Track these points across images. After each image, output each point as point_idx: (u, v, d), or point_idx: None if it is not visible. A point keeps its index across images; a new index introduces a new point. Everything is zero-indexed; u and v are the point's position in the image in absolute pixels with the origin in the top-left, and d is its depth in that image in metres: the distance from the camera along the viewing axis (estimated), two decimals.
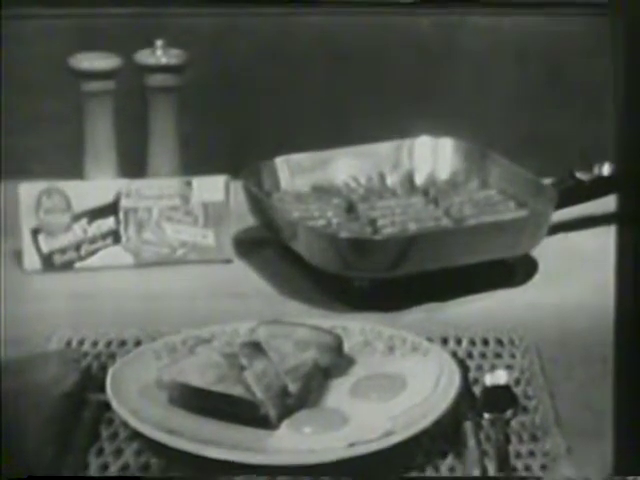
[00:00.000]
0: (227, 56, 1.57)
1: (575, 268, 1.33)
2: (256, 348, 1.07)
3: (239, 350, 1.06)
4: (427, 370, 1.05)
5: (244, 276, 1.33)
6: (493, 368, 1.11)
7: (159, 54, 1.43)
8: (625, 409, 0.72)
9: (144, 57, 1.45)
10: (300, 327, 1.09)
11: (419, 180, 1.44)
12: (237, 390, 1.01)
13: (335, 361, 1.08)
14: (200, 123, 1.57)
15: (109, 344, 1.17)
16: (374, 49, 1.54)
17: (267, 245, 1.37)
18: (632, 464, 0.72)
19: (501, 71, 1.49)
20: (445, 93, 1.52)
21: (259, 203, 1.35)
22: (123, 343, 1.17)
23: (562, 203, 1.35)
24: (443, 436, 1.00)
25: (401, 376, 1.06)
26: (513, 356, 1.14)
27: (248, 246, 1.38)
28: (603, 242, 1.45)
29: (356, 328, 1.13)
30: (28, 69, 1.60)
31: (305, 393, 1.03)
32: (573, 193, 1.41)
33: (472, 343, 1.16)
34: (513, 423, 1.03)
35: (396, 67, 1.53)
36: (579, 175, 1.44)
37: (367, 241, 1.26)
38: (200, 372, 1.03)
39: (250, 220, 1.38)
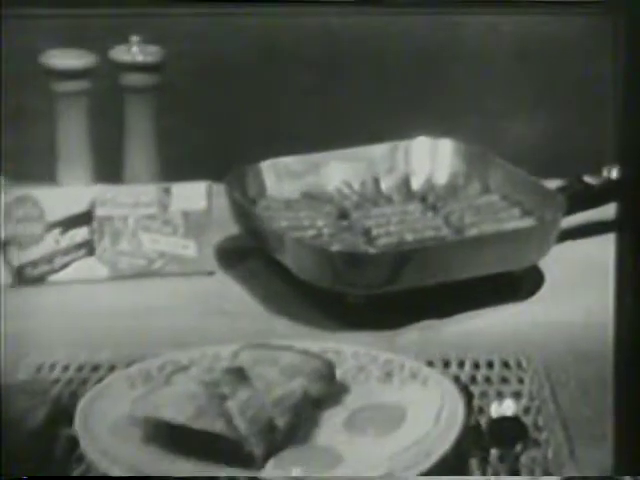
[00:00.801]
0: (212, 54, 1.48)
1: (585, 279, 1.24)
2: (239, 375, 0.97)
3: (221, 377, 0.97)
4: (428, 400, 0.96)
5: (227, 290, 1.23)
6: (499, 395, 1.02)
7: (135, 51, 1.33)
8: (625, 409, 0.73)
9: (119, 54, 1.35)
10: (287, 352, 1.00)
11: (416, 184, 1.35)
12: (218, 426, 0.92)
13: (326, 390, 0.98)
14: (182, 125, 1.48)
15: (81, 369, 1.08)
16: (370, 48, 1.46)
17: (253, 256, 1.27)
18: (632, 464, 0.72)
19: (501, 71, 1.43)
20: (444, 93, 1.45)
21: (243, 211, 1.25)
22: (96, 368, 1.08)
23: (570, 209, 1.26)
24: (447, 474, 0.91)
25: (400, 407, 0.96)
26: (521, 381, 1.05)
27: (232, 257, 1.29)
28: (613, 250, 1.35)
29: (349, 351, 1.03)
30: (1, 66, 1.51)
31: (293, 427, 0.94)
32: (581, 198, 1.32)
33: (476, 366, 1.07)
34: (523, 458, 0.94)
35: (395, 67, 1.46)
36: (587, 179, 1.35)
37: (361, 255, 1.16)
38: (177, 405, 0.93)
39: (235, 228, 1.29)
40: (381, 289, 1.14)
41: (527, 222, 1.25)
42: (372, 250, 1.17)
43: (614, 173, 1.35)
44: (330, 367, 0.99)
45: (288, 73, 1.52)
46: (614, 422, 0.74)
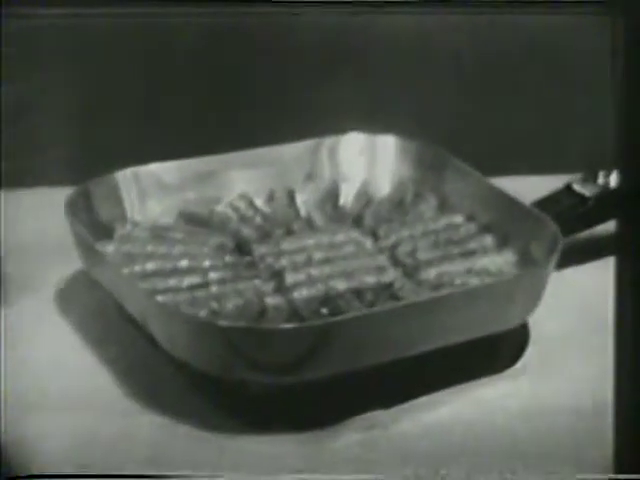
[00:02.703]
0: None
1: (586, 332, 0.90)
2: None
3: None
4: None
5: (72, 370, 0.84)
6: None
7: None
8: (625, 408, 0.68)
9: None
10: None
11: (346, 199, 0.98)
12: None
13: None
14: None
15: None
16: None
17: (106, 312, 0.88)
18: (632, 464, 0.69)
19: (499, 71, 1.21)
20: (440, 93, 1.18)
21: (84, 246, 0.86)
22: None
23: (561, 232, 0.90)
24: None
25: None
26: None
27: (79, 313, 0.90)
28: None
29: None
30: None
31: None
32: (574, 215, 0.98)
33: None
34: None
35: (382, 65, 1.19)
36: (579, 189, 0.99)
37: (266, 332, 0.76)
38: None
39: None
40: (300, 376, 0.76)
41: (506, 256, 0.89)
42: (285, 326, 0.77)
43: (613, 180, 1.00)
44: None
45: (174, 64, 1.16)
46: (614, 422, 0.68)
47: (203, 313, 0.80)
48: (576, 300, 0.97)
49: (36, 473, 0.73)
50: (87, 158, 1.08)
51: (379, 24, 1.13)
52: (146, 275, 0.84)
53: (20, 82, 1.08)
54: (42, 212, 0.98)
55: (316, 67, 1.09)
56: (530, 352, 0.90)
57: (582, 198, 1.00)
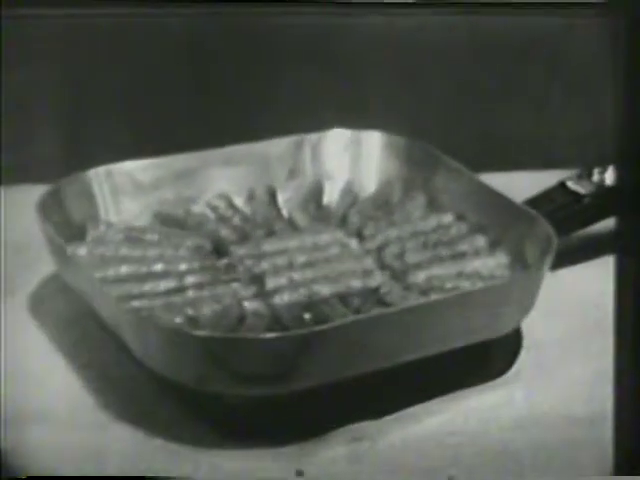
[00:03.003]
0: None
1: (582, 336, 0.87)
2: None
3: None
4: None
5: (42, 379, 0.79)
6: None
7: None
8: (626, 414, 0.66)
9: None
10: None
11: (330, 197, 0.94)
12: None
13: None
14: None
15: None
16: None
17: (81, 318, 0.83)
18: (632, 464, 0.67)
19: (500, 71, 1.20)
20: (438, 94, 1.17)
21: (55, 249, 0.82)
22: None
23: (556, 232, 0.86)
24: None
25: None
26: None
27: (51, 318, 0.85)
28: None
29: None
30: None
31: None
32: (569, 214, 0.94)
33: None
34: None
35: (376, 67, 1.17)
36: (574, 186, 0.95)
37: (246, 342, 0.71)
38: None
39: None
40: (281, 387, 0.72)
41: (498, 258, 0.85)
42: (262, 332, 0.73)
43: (608, 177, 0.96)
44: None
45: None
46: (614, 429, 0.67)
47: (179, 319, 0.76)
48: (571, 302, 0.94)
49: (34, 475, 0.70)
50: (86, 156, 1.05)
51: (378, 24, 1.13)
52: (120, 279, 0.79)
53: (20, 81, 1.07)
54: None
55: (315, 67, 1.08)
56: (523, 358, 0.86)
57: (577, 196, 0.96)
